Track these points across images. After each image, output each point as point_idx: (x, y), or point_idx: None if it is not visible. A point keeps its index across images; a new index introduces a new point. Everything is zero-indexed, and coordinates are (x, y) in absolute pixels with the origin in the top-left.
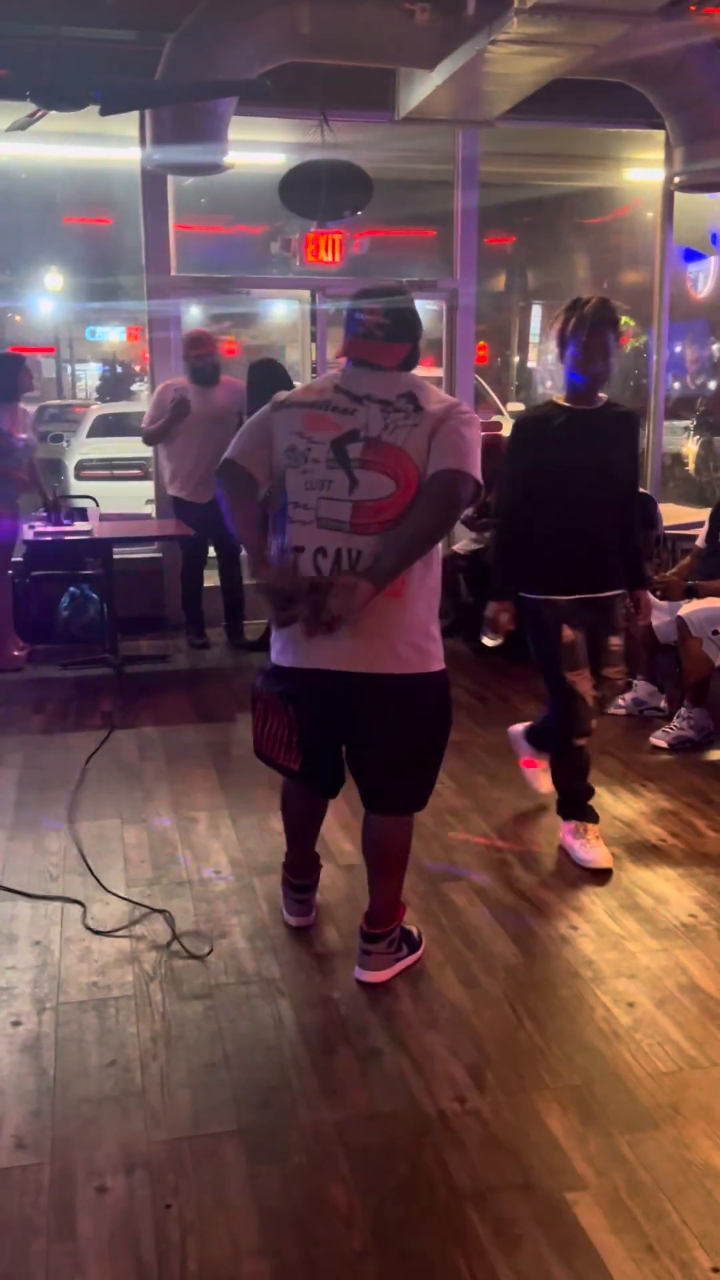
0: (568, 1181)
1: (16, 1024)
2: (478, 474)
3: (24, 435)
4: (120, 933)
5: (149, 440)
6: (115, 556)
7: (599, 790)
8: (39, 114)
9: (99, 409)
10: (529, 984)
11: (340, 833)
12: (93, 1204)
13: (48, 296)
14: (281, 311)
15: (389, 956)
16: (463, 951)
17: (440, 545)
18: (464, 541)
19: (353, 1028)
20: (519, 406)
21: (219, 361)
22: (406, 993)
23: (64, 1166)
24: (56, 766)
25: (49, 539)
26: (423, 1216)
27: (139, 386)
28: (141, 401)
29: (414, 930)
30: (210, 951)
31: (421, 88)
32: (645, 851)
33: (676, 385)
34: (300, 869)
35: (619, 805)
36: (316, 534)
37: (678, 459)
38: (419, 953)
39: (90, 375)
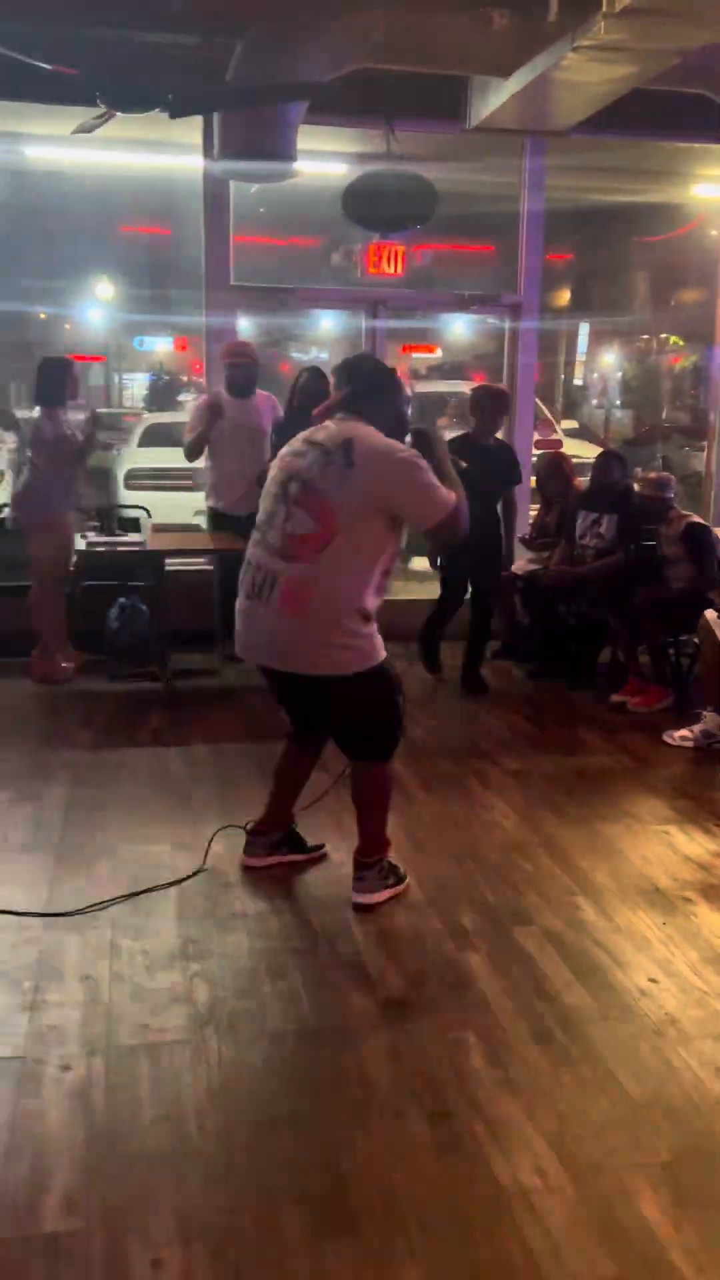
0: (665, 1276)
1: (65, 1068)
2: (439, 511)
3: (77, 435)
4: (173, 970)
5: (189, 453)
6: (165, 568)
7: (669, 828)
8: (106, 116)
9: (149, 419)
10: (608, 1043)
11: (400, 864)
12: None
13: (98, 305)
14: (330, 325)
15: (379, 882)
16: (536, 1004)
17: (362, 572)
18: (520, 562)
19: (422, 1085)
20: (572, 424)
21: (255, 373)
22: (478, 1048)
23: (116, 1235)
24: (105, 786)
25: (102, 550)
26: None
27: (185, 397)
28: (181, 411)
29: (399, 866)
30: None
31: (494, 96)
32: None
33: None
34: (267, 820)
35: (691, 845)
36: (259, 554)
37: None
38: (405, 885)
39: (138, 384)
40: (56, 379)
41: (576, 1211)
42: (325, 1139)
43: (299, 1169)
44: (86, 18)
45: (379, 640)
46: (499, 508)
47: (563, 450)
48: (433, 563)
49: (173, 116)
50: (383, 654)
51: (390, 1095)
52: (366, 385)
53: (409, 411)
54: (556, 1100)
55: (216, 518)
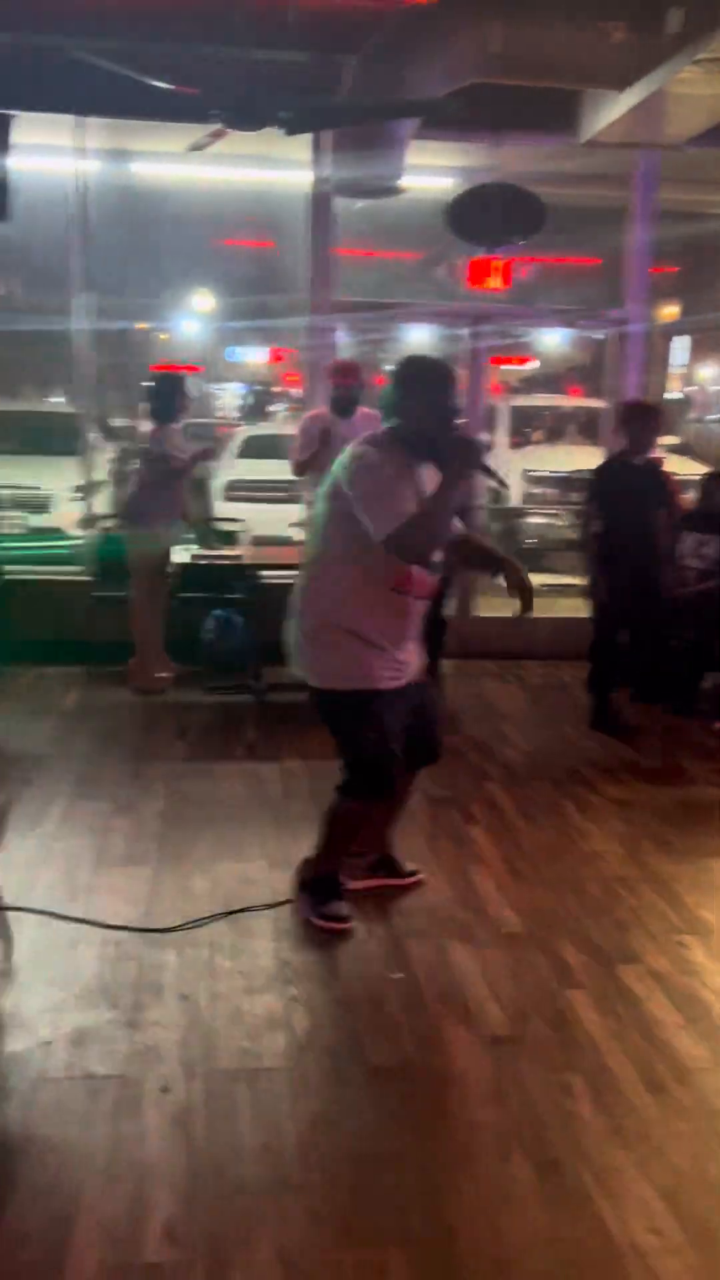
0: None
1: (165, 1090)
2: (378, 526)
3: (186, 452)
4: (271, 994)
5: (297, 471)
6: (261, 581)
7: None
8: (220, 134)
9: (248, 431)
10: None
11: (498, 894)
12: None
13: (197, 318)
14: (425, 338)
15: (309, 908)
16: (644, 1048)
17: (349, 580)
18: None
19: (527, 1130)
20: (673, 440)
21: (360, 394)
22: (585, 1094)
23: (218, 1268)
24: (200, 800)
25: (202, 562)
26: None
27: (276, 408)
28: (278, 423)
29: (345, 911)
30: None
31: (608, 110)
32: None
33: None
34: (363, 841)
35: None
36: None
37: None
38: (338, 927)
39: (230, 395)
40: (168, 395)
41: (697, 1277)
42: (429, 1181)
43: (402, 1211)
44: (204, 37)
45: (368, 667)
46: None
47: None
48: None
49: (289, 134)
50: (367, 684)
51: (496, 1139)
52: (390, 384)
53: (450, 411)
54: (671, 1153)
55: None
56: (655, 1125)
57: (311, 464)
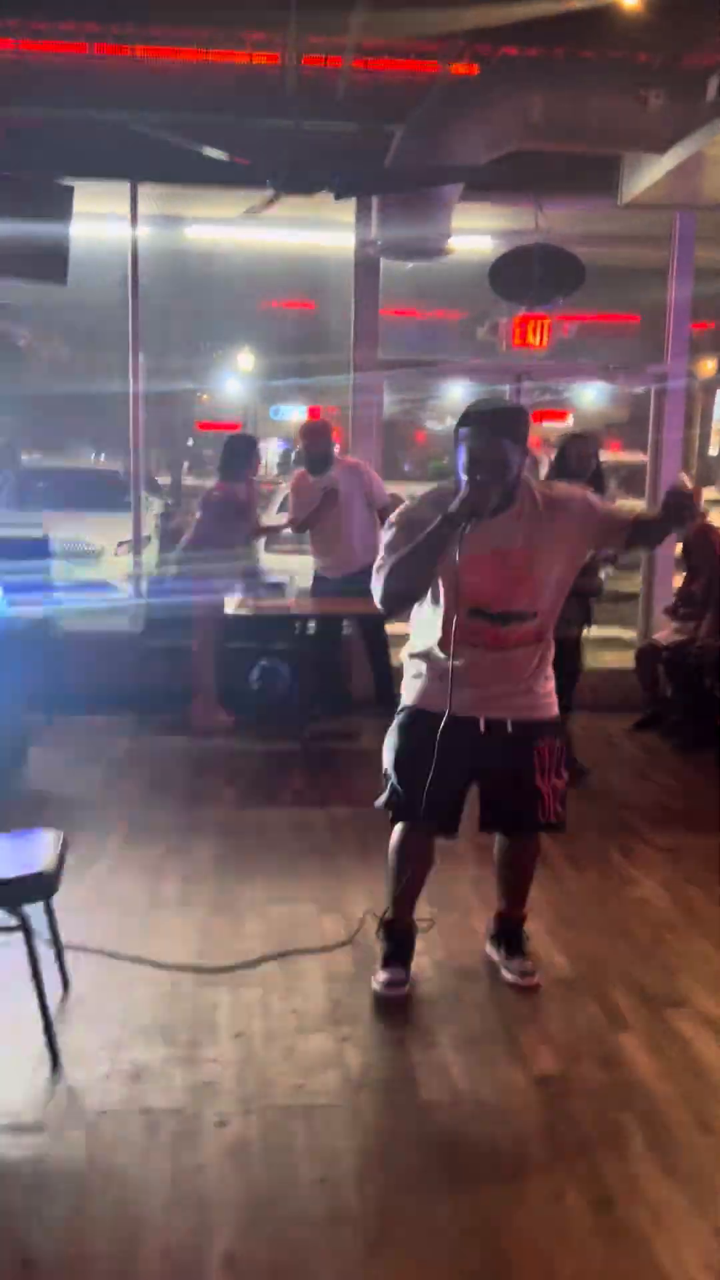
0: None
1: (222, 1124)
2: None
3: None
4: (323, 1033)
5: (300, 529)
6: (307, 631)
7: None
8: (274, 200)
9: (284, 487)
10: None
11: (548, 939)
12: None
13: (237, 376)
14: (462, 395)
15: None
16: (696, 1089)
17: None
18: (665, 631)
19: (581, 1168)
20: (715, 494)
21: (329, 450)
22: (638, 1133)
23: None
24: (250, 844)
25: (247, 613)
26: None
27: None
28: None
29: (387, 978)
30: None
31: (647, 173)
32: None
33: None
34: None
35: None
36: None
37: None
38: (385, 993)
39: (272, 453)
40: (241, 454)
41: None
42: (485, 1216)
43: (458, 1244)
44: (258, 109)
45: (418, 687)
46: None
47: (710, 520)
48: None
49: (338, 199)
50: (412, 701)
51: (549, 1175)
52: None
53: (462, 464)
54: None
55: (320, 582)
56: (709, 1164)
57: (312, 522)
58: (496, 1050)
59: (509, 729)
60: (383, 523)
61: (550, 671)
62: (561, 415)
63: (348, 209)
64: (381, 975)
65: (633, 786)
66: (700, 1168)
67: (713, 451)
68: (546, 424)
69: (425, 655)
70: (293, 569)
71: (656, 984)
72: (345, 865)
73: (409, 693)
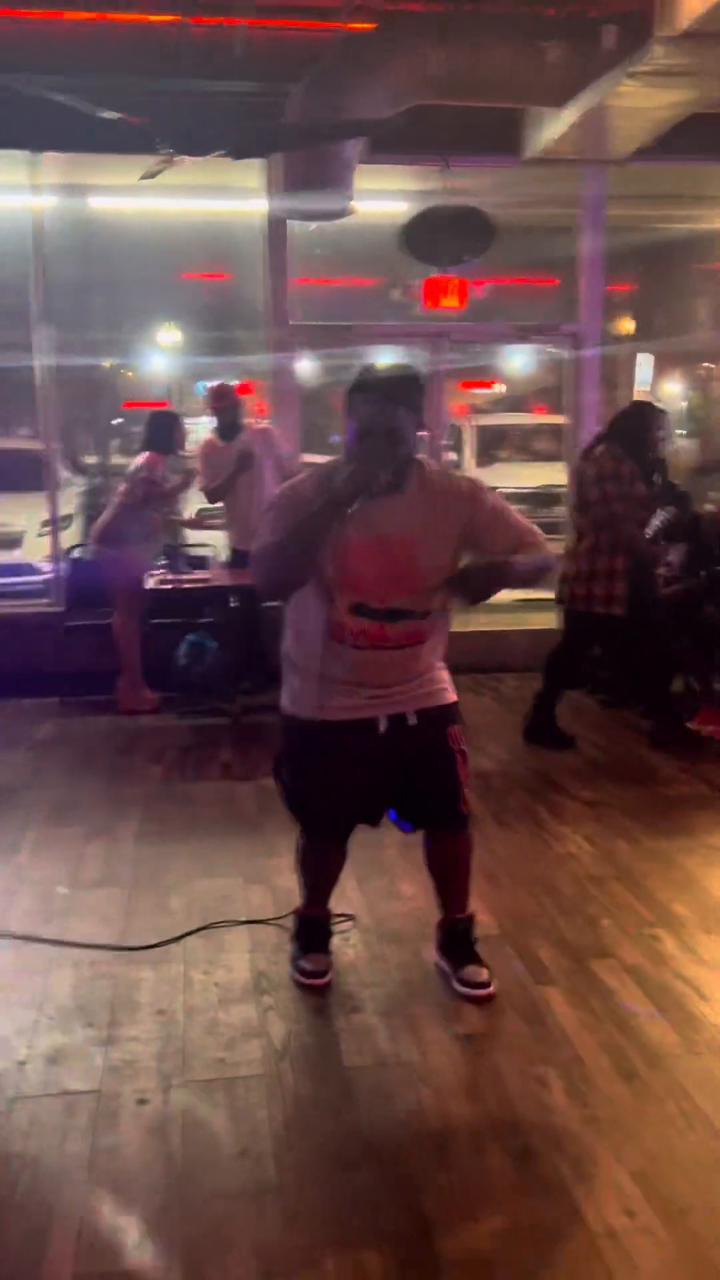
0: None
1: (142, 1102)
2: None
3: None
4: (246, 1004)
5: (213, 498)
6: (232, 605)
7: None
8: (170, 162)
9: None
10: (693, 1079)
11: (473, 898)
12: None
13: (161, 352)
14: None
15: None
16: (617, 1038)
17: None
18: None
19: (503, 1122)
20: None
21: (237, 413)
22: (559, 1085)
23: (195, 1273)
24: (176, 820)
25: (169, 587)
26: None
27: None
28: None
29: (301, 963)
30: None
31: (551, 127)
32: None
33: None
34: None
35: None
36: None
37: None
38: (305, 981)
39: (201, 429)
40: (165, 429)
41: (669, 1253)
42: (406, 1177)
43: (380, 1208)
44: (152, 70)
45: (296, 691)
46: None
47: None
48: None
49: (235, 158)
50: (294, 709)
51: (471, 1133)
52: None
53: (351, 435)
54: (643, 1137)
55: (237, 555)
56: (628, 1111)
57: (226, 489)
58: (420, 1011)
59: (412, 721)
60: None
61: (442, 656)
62: (488, 384)
63: (254, 175)
64: (304, 964)
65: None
66: (620, 1115)
67: None
68: (478, 391)
69: (303, 654)
70: (216, 543)
71: (581, 936)
72: (272, 836)
73: (288, 697)
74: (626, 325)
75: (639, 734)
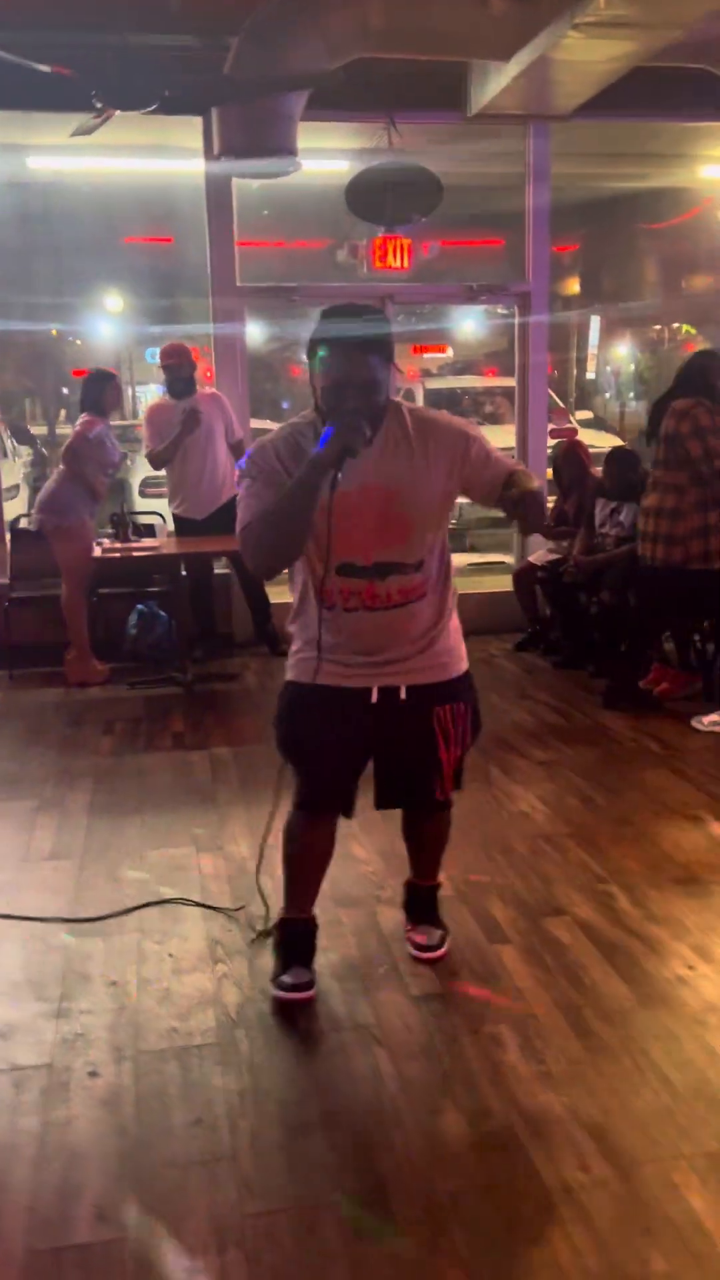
0: (717, 1269)
1: (93, 1075)
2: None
3: (118, 449)
4: (200, 973)
5: (159, 462)
6: (181, 572)
7: (701, 813)
8: (105, 117)
9: None
10: (648, 1033)
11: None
12: None
13: (108, 319)
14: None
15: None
16: (571, 994)
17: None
18: (540, 552)
19: (458, 1082)
20: (588, 415)
21: (191, 373)
22: (514, 1043)
23: (150, 1242)
24: (128, 790)
25: (117, 556)
26: None
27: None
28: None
29: (290, 982)
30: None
31: (495, 82)
32: None
33: None
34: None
35: None
36: None
37: None
38: (283, 996)
39: (150, 396)
40: (96, 388)
41: (623, 1206)
42: (362, 1140)
43: (336, 1171)
44: (85, 22)
45: (298, 660)
46: None
47: (578, 438)
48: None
49: (171, 113)
50: (292, 675)
51: (426, 1093)
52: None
53: (321, 390)
54: (598, 1093)
55: (183, 523)
56: (583, 1067)
57: (173, 451)
58: (376, 974)
59: (402, 696)
60: (237, 459)
61: (455, 623)
62: (441, 348)
63: (193, 133)
64: (286, 979)
65: (514, 705)
66: (575, 1072)
67: (590, 375)
68: (431, 356)
69: (300, 621)
70: (165, 511)
71: (534, 895)
72: (226, 804)
73: (289, 663)
74: (573, 286)
75: (591, 694)
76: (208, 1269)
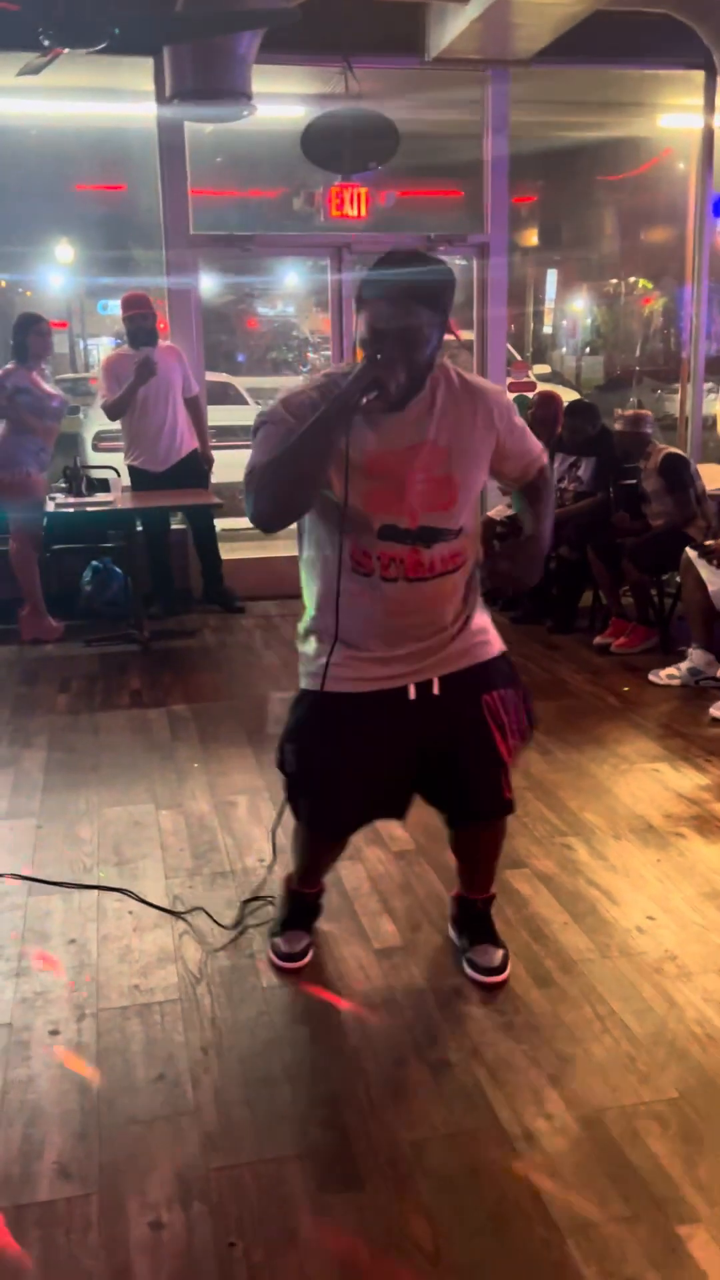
0: (678, 1212)
1: (54, 1033)
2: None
3: (56, 393)
4: (161, 930)
5: (115, 412)
6: (137, 528)
7: (659, 765)
8: (52, 55)
9: None
10: (608, 982)
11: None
12: (148, 1243)
13: (59, 270)
14: (297, 279)
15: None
16: (533, 946)
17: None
18: (499, 506)
19: (421, 1035)
20: (545, 369)
21: (154, 325)
22: (475, 994)
23: (114, 1198)
24: (85, 749)
25: (70, 511)
26: (517, 1253)
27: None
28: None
29: (285, 950)
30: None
31: (454, 24)
32: (718, 833)
33: None
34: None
35: (683, 781)
36: None
37: (704, 422)
38: (279, 964)
39: (103, 349)
40: (19, 335)
41: (585, 1152)
42: (325, 1092)
43: (299, 1124)
44: None
45: (317, 662)
46: None
47: (539, 391)
48: None
49: (121, 53)
50: (306, 683)
51: (389, 1045)
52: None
53: (361, 339)
54: (559, 1042)
55: (137, 476)
56: (543, 1017)
57: (125, 401)
58: (338, 928)
59: (435, 690)
60: (193, 416)
61: (479, 600)
62: None
63: (145, 75)
64: (279, 943)
65: None
66: (536, 1022)
67: (546, 329)
68: None
69: (318, 613)
70: (119, 465)
71: None
72: (184, 762)
73: (305, 669)
74: (531, 237)
75: (549, 649)
76: (172, 1223)
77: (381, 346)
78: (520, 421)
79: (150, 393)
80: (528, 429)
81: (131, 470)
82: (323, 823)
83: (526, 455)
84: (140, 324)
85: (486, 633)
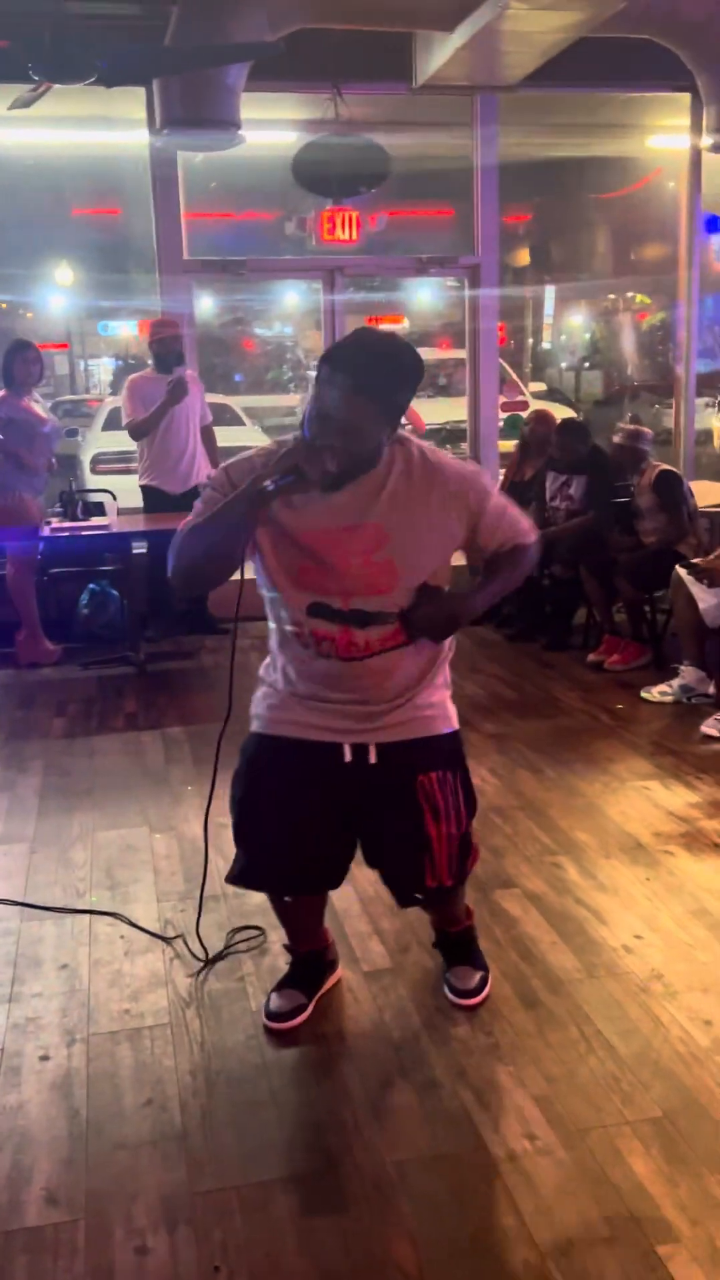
0: (659, 1232)
1: (44, 1058)
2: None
3: (49, 419)
4: (152, 954)
5: (140, 432)
6: (134, 551)
7: (650, 783)
8: (42, 89)
9: (111, 402)
10: (595, 1002)
11: None
12: (133, 1269)
13: (59, 292)
14: (295, 300)
15: None
16: (520, 966)
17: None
18: None
19: (407, 1057)
20: (540, 386)
21: (183, 348)
22: (463, 1016)
23: (100, 1223)
24: (80, 772)
25: (66, 535)
26: (499, 1276)
27: None
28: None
29: (274, 1008)
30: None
31: (440, 52)
32: (707, 851)
33: None
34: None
35: (673, 799)
36: None
37: (699, 437)
38: (269, 1025)
39: (104, 370)
40: (6, 362)
41: (568, 1172)
42: (311, 1116)
43: (285, 1147)
44: None
45: (261, 702)
46: None
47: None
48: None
49: (109, 85)
50: (255, 727)
51: (376, 1067)
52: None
53: (308, 415)
54: (544, 1062)
55: (156, 497)
56: (530, 1038)
57: (156, 422)
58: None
59: (372, 758)
60: (207, 445)
61: (447, 677)
62: (397, 318)
63: (137, 104)
64: (270, 1000)
65: (465, 679)
66: (522, 1043)
67: (545, 345)
68: (386, 327)
69: (268, 663)
70: (115, 488)
71: (485, 867)
72: (178, 786)
73: (252, 712)
74: (524, 256)
75: (543, 666)
76: (157, 1248)
77: (321, 431)
78: (502, 502)
79: (176, 415)
80: (516, 511)
81: (146, 490)
82: (251, 876)
83: (513, 537)
84: (171, 346)
85: (436, 708)
